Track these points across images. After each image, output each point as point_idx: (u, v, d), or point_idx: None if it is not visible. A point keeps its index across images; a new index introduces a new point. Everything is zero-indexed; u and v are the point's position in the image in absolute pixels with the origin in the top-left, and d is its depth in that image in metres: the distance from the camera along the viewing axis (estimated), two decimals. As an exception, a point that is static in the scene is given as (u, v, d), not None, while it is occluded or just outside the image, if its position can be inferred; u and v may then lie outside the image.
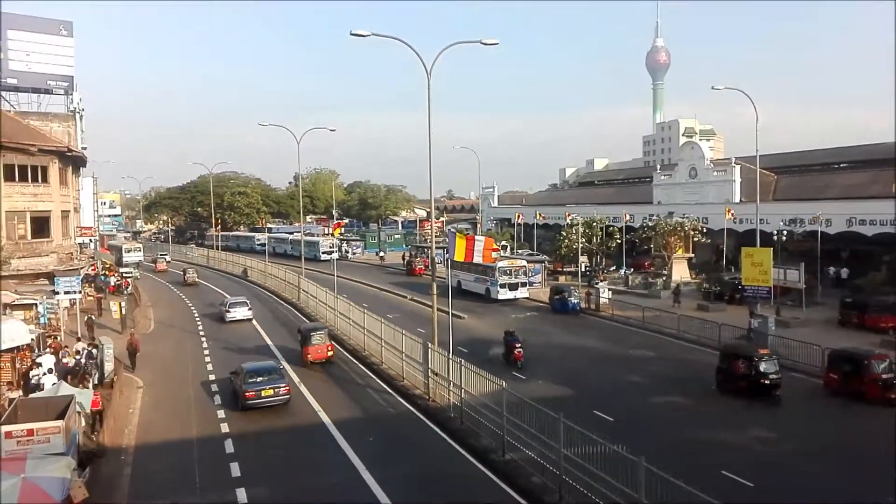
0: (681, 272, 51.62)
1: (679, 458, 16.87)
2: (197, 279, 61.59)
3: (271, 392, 23.02)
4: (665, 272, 52.09)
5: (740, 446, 19.40)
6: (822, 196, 50.76)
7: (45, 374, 22.92)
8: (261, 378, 23.34)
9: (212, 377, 27.85)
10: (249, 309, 41.50)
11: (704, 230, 52.70)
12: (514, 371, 27.32)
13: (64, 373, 23.76)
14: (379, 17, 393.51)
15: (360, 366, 29.56)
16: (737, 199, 57.63)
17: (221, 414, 22.86)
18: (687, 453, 18.24)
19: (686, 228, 51.26)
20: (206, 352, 32.93)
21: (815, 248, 44.25)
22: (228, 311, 40.81)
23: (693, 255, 52.94)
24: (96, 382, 24.75)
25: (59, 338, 30.33)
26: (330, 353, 29.74)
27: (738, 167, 59.24)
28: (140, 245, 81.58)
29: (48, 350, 27.21)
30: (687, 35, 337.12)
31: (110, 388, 25.70)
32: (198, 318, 42.62)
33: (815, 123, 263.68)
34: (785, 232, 44.20)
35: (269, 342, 35.03)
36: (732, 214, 47.64)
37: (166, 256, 79.04)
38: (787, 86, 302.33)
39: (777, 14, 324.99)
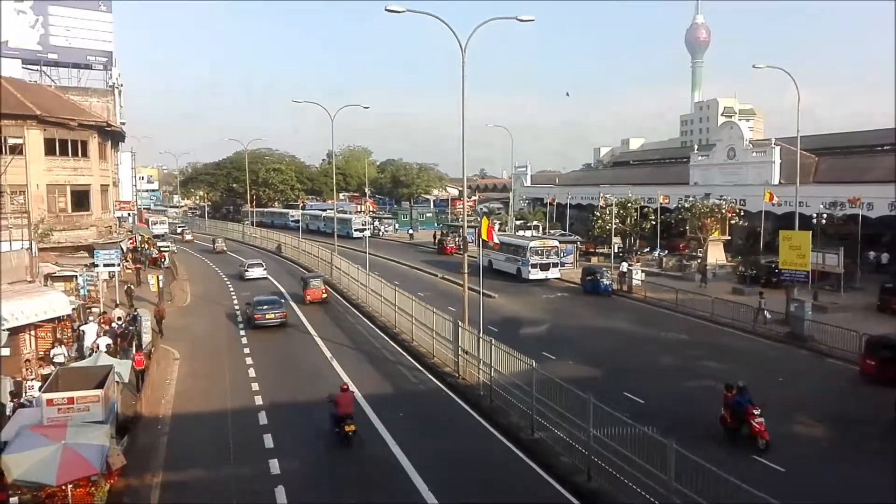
0: (716, 255, 50.85)
1: (712, 441, 16.73)
2: (225, 248, 69.04)
3: (272, 316, 32.65)
4: (700, 254, 51.39)
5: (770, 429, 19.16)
6: (864, 179, 49.36)
7: (92, 343, 23.90)
8: (266, 306, 33.13)
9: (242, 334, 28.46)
10: (264, 269, 50.24)
11: (742, 212, 51.74)
12: (753, 454, 17.14)
13: (113, 336, 25.56)
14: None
15: (392, 343, 29.80)
16: (776, 181, 56.36)
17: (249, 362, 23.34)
18: (721, 438, 18.07)
19: (723, 210, 50.38)
20: (234, 298, 40.13)
21: (855, 233, 43.21)
22: (247, 271, 49.49)
23: (729, 238, 52.07)
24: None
25: (98, 310, 31.04)
26: (324, 296, 39.30)
27: (777, 148, 57.87)
28: (165, 218, 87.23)
29: (91, 319, 28.03)
30: (728, 11, 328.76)
31: (148, 358, 26.28)
32: (225, 279, 48.93)
33: (858, 105, 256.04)
34: (824, 215, 43.19)
35: (282, 289, 43.85)
36: (774, 197, 46.56)
37: (187, 229, 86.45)
38: (830, 65, 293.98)
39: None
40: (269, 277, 49.38)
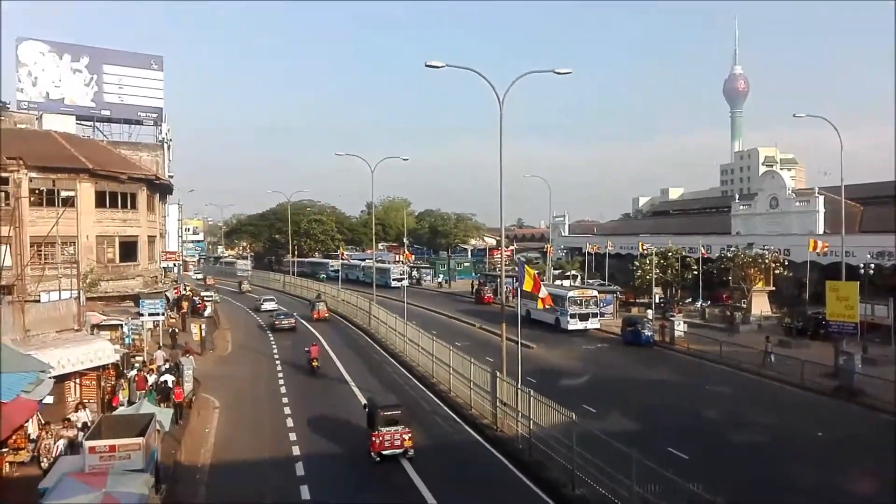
0: (761, 306, 49.74)
1: (760, 499, 16.09)
2: (250, 288, 79.71)
3: (284, 322, 49.21)
4: (744, 305, 50.32)
5: (821, 483, 18.39)
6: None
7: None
8: (282, 316, 50.75)
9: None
10: (276, 303, 61.86)
11: (786, 262, 50.73)
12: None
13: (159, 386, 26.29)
14: (451, 49, 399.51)
15: (429, 393, 29.59)
16: (820, 231, 55.32)
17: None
18: (769, 496, 17.40)
19: (766, 260, 49.47)
20: (274, 347, 41.22)
21: (905, 283, 41.95)
22: (262, 304, 60.95)
23: (774, 288, 50.97)
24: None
25: (142, 358, 31.59)
26: (326, 315, 53.92)
27: (821, 197, 56.99)
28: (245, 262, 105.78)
29: (137, 366, 28.64)
30: (767, 62, 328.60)
31: (189, 407, 26.53)
32: (266, 330, 50.30)
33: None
34: (872, 265, 42.08)
35: (296, 316, 52.86)
36: (820, 246, 45.49)
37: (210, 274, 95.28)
38: (873, 113, 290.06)
39: (861, 40, 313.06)
40: (305, 323, 50.92)
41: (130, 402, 23.88)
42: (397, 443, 20.62)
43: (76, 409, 22.29)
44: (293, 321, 49.62)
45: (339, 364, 36.12)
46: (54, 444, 19.24)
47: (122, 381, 26.39)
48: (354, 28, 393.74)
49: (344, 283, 71.11)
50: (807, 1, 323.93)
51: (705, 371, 34.64)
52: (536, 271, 66.62)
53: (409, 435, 20.81)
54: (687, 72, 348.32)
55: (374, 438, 20.58)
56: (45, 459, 18.77)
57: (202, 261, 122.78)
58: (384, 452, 20.55)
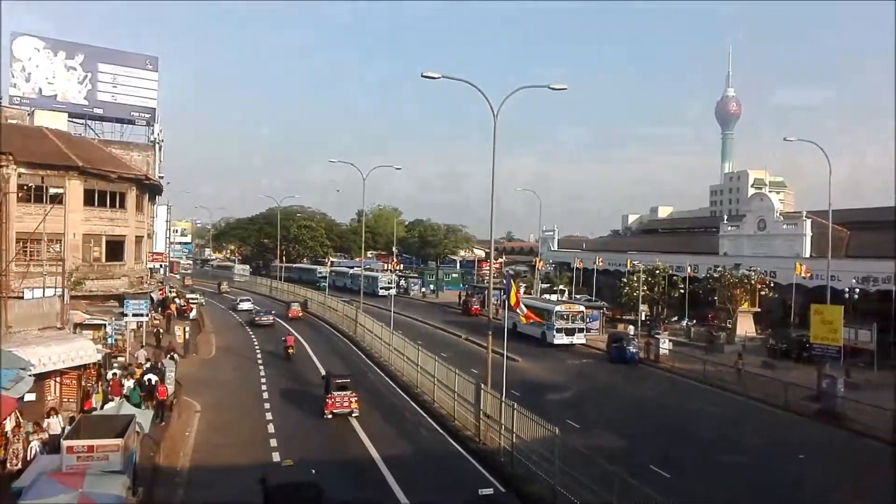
0: (746, 327, 49.98)
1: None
2: (228, 289, 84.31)
3: (264, 318, 54.32)
4: (729, 325, 50.58)
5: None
6: (898, 254, 48.51)
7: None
8: (262, 312, 56.48)
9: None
10: (252, 303, 65.69)
11: (772, 284, 51.02)
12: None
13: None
14: (445, 59, 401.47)
15: (412, 403, 29.48)
16: (807, 254, 55.72)
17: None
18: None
19: (752, 281, 49.77)
20: (258, 352, 39.24)
21: (888, 309, 42.26)
22: (239, 304, 65.10)
23: (759, 310, 51.24)
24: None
25: (123, 359, 31.35)
26: (300, 314, 58.89)
27: (809, 221, 57.39)
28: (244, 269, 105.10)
29: (116, 367, 28.38)
30: (759, 85, 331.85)
31: (170, 410, 26.31)
32: (250, 332, 51.42)
33: (890, 178, 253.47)
34: (857, 290, 42.38)
35: (273, 314, 57.38)
36: (805, 270, 45.81)
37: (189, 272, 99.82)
38: (862, 139, 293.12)
39: (855, 67, 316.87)
40: (302, 341, 47.34)
41: (103, 407, 23.45)
42: (346, 404, 26.30)
43: (48, 415, 21.24)
44: (271, 318, 55.13)
45: (318, 364, 35.88)
46: (23, 448, 18.70)
47: (97, 384, 25.94)
48: (350, 34, 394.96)
49: (332, 289, 70.92)
50: (801, 26, 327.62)
51: (689, 390, 34.72)
52: (524, 285, 67.16)
53: (355, 398, 26.47)
54: (679, 92, 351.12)
55: (328, 400, 26.29)
56: (11, 464, 18.31)
57: (193, 263, 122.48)
58: (335, 411, 26.16)
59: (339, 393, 26.35)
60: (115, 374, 27.20)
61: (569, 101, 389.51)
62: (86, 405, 23.81)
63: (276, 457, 21.59)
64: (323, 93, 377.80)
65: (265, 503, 14.75)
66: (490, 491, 17.59)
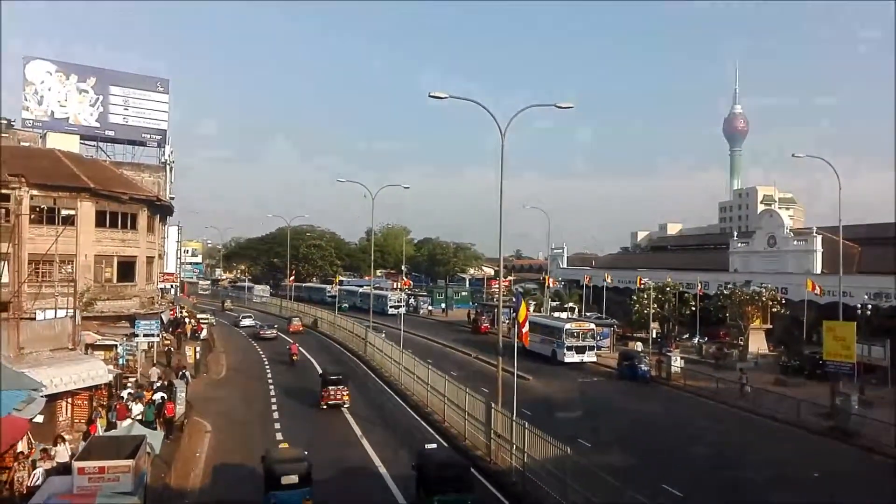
0: (758, 343, 49.66)
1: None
2: (232, 306, 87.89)
3: (267, 332, 58.01)
4: (741, 343, 50.24)
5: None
6: (911, 270, 48.11)
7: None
8: (266, 326, 59.76)
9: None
10: (254, 319, 68.85)
11: (783, 301, 50.72)
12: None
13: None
14: (453, 79, 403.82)
15: (422, 422, 29.37)
16: (818, 270, 55.43)
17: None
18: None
19: (764, 298, 49.49)
20: (269, 372, 41.14)
21: (902, 325, 41.89)
22: (241, 321, 68.02)
23: (771, 327, 50.89)
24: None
25: (135, 379, 31.46)
26: (301, 329, 62.58)
27: (819, 237, 57.16)
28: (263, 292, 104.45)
29: (129, 388, 28.46)
30: (767, 101, 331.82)
31: (180, 430, 26.32)
32: (262, 354, 50.61)
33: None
34: (869, 306, 42.07)
35: (276, 328, 60.95)
36: (819, 289, 45.43)
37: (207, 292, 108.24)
38: (873, 154, 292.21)
39: (863, 83, 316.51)
40: (305, 353, 49.77)
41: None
42: (339, 396, 31.10)
43: (55, 443, 20.93)
44: (274, 332, 58.94)
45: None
46: (28, 475, 18.47)
47: (101, 409, 25.69)
48: (361, 56, 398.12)
49: (341, 308, 71.04)
50: (807, 44, 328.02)
51: (701, 408, 34.47)
52: (534, 303, 67.00)
53: (347, 392, 31.40)
54: (687, 109, 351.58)
55: (323, 394, 31.16)
56: (17, 491, 18.09)
57: (210, 284, 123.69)
58: (329, 403, 30.94)
59: (332, 388, 31.13)
60: (121, 399, 27.07)
61: (577, 121, 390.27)
62: (91, 429, 23.19)
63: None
64: (330, 114, 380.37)
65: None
66: (434, 446, 21.34)
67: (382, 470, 22.59)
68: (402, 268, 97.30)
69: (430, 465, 18.36)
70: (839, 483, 22.56)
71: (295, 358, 45.12)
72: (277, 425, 28.48)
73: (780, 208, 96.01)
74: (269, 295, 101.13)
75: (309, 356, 48.12)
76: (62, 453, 20.39)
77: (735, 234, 76.59)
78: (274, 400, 33.64)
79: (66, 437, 22.39)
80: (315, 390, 32.67)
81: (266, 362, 45.91)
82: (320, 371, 36.95)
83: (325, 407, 30.73)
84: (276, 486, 17.55)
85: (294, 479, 17.72)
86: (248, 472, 21.96)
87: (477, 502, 18.02)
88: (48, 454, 20.11)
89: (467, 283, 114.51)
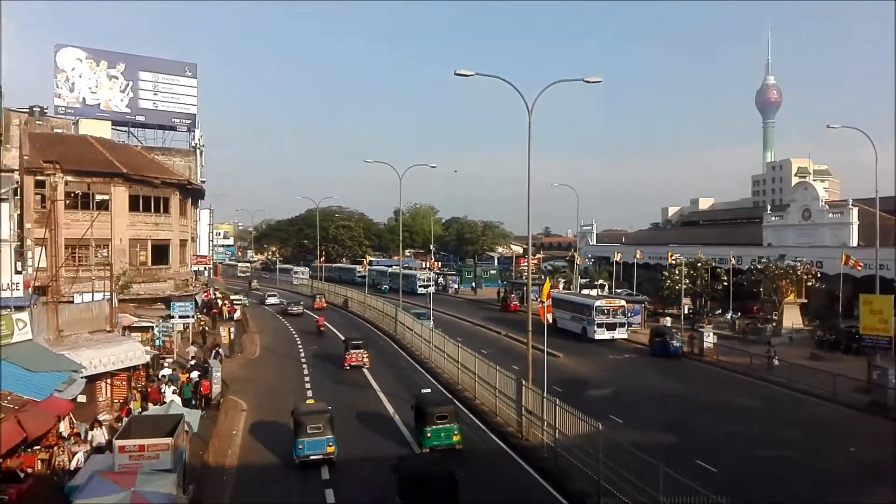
0: (792, 318, 48.91)
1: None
2: (259, 286, 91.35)
3: (294, 308, 62.21)
4: (775, 317, 49.55)
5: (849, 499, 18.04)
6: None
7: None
8: (292, 304, 64.01)
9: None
10: (278, 297, 72.90)
11: (818, 275, 49.84)
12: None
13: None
14: (481, 56, 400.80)
15: (454, 399, 29.42)
16: (854, 243, 54.31)
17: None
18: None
19: (798, 272, 48.65)
20: (301, 352, 39.86)
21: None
22: (267, 299, 72.49)
23: (806, 301, 50.10)
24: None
25: (171, 359, 32.11)
26: (325, 304, 66.93)
27: (855, 209, 55.96)
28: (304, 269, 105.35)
29: (166, 366, 29.18)
30: (800, 72, 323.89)
31: (216, 409, 26.82)
32: (294, 334, 51.67)
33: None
34: (907, 279, 41.10)
35: (303, 308, 63.83)
36: (853, 262, 44.44)
37: (247, 274, 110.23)
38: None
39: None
40: (331, 327, 52.82)
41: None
42: (360, 358, 35.84)
43: (91, 427, 21.55)
44: (301, 308, 63.16)
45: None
46: (68, 460, 19.05)
47: (135, 391, 26.27)
48: (386, 36, 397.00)
49: (369, 288, 71.57)
50: (840, 14, 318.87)
51: (735, 383, 34.15)
52: (563, 280, 66.59)
53: (367, 354, 36.23)
54: (719, 81, 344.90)
55: (346, 356, 35.91)
56: (58, 475, 18.58)
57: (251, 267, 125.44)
58: (352, 364, 35.54)
59: (354, 351, 35.83)
60: (154, 381, 27.65)
61: (606, 96, 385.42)
62: (123, 412, 23.64)
63: (324, 473, 20.55)
64: (358, 94, 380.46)
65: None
66: (428, 390, 24.57)
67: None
68: (431, 247, 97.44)
69: (423, 403, 22.67)
70: (875, 460, 22.22)
71: (322, 329, 50.87)
72: (308, 385, 29.06)
73: (814, 181, 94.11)
74: (308, 277, 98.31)
75: (339, 333, 48.66)
76: (99, 437, 20.99)
77: (769, 207, 75.33)
78: (305, 367, 36.23)
79: (102, 419, 23.01)
80: (341, 354, 36.94)
81: (296, 335, 49.63)
82: (343, 337, 42.20)
83: (347, 368, 35.18)
84: (303, 434, 20.42)
85: (318, 427, 20.55)
86: (283, 452, 22.31)
87: (460, 431, 21.92)
88: (81, 439, 20.64)
89: (496, 261, 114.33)
